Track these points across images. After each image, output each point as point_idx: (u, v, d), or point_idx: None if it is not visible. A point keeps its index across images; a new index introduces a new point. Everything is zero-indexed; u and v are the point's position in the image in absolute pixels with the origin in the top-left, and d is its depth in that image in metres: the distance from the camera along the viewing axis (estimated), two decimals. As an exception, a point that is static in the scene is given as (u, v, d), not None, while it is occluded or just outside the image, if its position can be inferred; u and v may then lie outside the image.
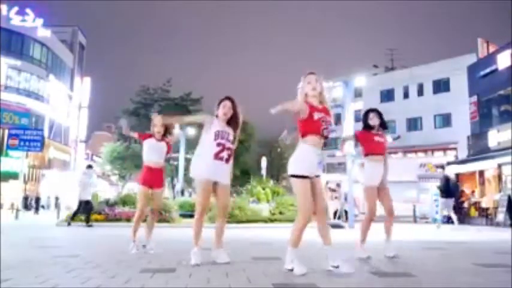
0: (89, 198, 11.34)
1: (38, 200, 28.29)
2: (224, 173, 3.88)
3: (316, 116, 3.32)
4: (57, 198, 29.07)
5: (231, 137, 3.95)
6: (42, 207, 28.47)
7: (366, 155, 4.61)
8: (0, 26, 31.28)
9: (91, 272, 3.25)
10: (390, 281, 3.03)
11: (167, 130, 5.11)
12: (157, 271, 3.31)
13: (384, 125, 4.72)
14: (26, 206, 27.62)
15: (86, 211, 11.18)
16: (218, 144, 3.84)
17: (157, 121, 5.06)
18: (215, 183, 3.87)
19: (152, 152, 5.03)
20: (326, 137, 3.39)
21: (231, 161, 3.98)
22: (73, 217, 11.44)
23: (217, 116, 3.99)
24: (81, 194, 11.33)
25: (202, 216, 3.87)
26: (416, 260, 4.27)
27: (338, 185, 17.61)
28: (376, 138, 4.62)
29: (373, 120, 4.66)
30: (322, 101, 3.47)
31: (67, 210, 19.91)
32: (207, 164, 3.81)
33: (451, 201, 12.24)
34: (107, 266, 3.61)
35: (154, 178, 4.98)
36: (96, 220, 11.37)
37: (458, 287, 2.88)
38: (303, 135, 3.36)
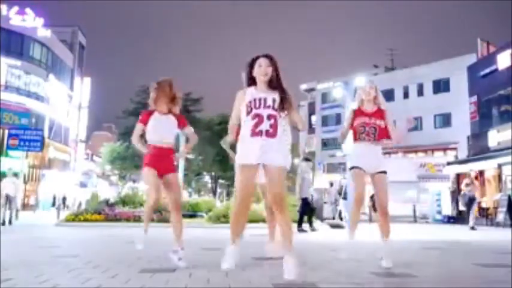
0: (308, 196, 9.51)
1: (64, 199, 28.85)
2: (271, 151, 2.86)
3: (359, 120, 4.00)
4: (54, 198, 29.44)
5: (270, 102, 2.92)
6: (67, 206, 29.03)
7: None
8: (0, 26, 31.27)
9: (91, 272, 3.25)
10: (390, 281, 3.02)
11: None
12: (157, 271, 3.30)
13: None
14: (54, 204, 27.97)
15: (308, 212, 9.52)
16: (254, 116, 2.90)
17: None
18: (264, 167, 2.90)
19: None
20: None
21: (280, 134, 2.93)
22: (300, 220, 9.26)
23: (251, 84, 3.04)
24: (302, 191, 9.35)
25: (241, 208, 3.02)
26: (416, 260, 4.26)
27: (331, 184, 17.62)
28: None
29: None
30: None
31: (66, 209, 19.92)
32: (244, 145, 2.93)
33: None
34: (107, 266, 3.60)
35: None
36: (96, 220, 11.36)
37: (458, 287, 2.88)
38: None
